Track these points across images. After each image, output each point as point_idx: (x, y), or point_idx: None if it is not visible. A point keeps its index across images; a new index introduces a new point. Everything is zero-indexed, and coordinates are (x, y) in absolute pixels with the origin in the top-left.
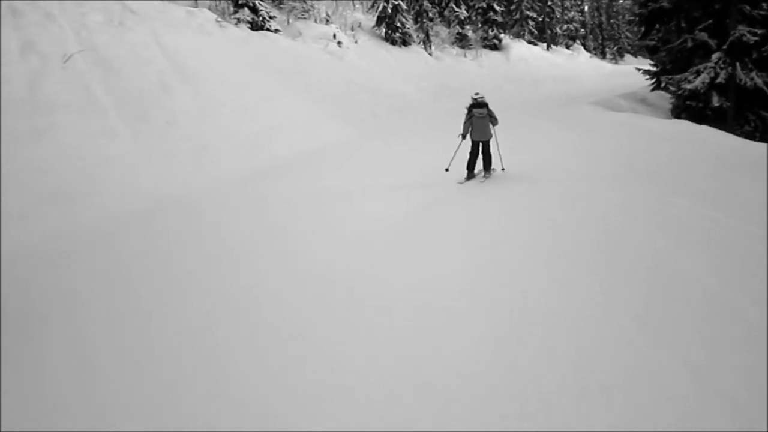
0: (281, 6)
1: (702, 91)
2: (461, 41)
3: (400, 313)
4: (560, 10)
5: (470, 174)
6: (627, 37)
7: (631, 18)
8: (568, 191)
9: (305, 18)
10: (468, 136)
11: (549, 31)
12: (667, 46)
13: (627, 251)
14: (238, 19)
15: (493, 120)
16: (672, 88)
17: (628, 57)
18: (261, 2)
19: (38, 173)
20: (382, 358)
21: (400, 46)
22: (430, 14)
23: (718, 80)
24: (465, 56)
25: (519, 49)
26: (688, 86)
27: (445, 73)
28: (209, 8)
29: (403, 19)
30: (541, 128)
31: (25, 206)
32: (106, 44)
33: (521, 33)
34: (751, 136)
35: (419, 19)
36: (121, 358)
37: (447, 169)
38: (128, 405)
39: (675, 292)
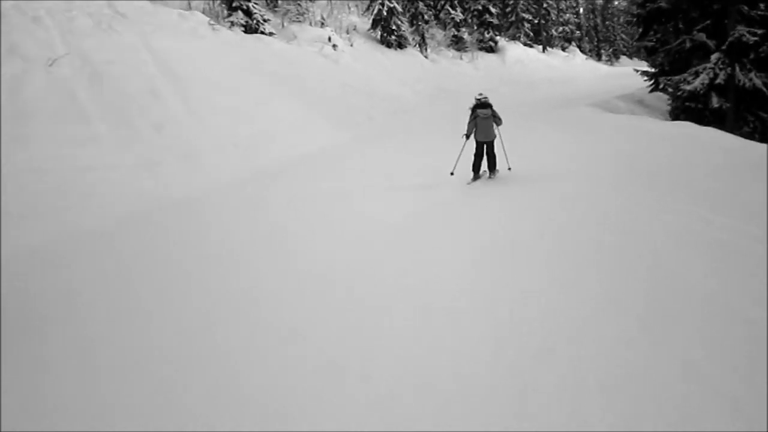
0: (276, 9)
1: (701, 92)
2: (457, 44)
3: (400, 313)
4: (555, 12)
5: (476, 175)
6: (622, 39)
7: (629, 19)
8: (568, 192)
9: (300, 21)
10: (472, 137)
11: (545, 33)
12: (666, 47)
13: (627, 251)
14: (231, 22)
15: (497, 120)
16: (671, 90)
17: (623, 59)
18: (255, 5)
19: (4, 186)
20: (382, 358)
21: (395, 49)
22: (426, 17)
23: (718, 81)
24: (461, 59)
25: (515, 52)
26: (688, 87)
27: (441, 75)
28: (203, 11)
29: (399, 22)
30: (539, 130)
31: None
32: (93, 48)
33: (517, 35)
34: (750, 137)
35: (415, 22)
36: (121, 358)
37: (452, 173)
38: (128, 405)
39: (675, 292)
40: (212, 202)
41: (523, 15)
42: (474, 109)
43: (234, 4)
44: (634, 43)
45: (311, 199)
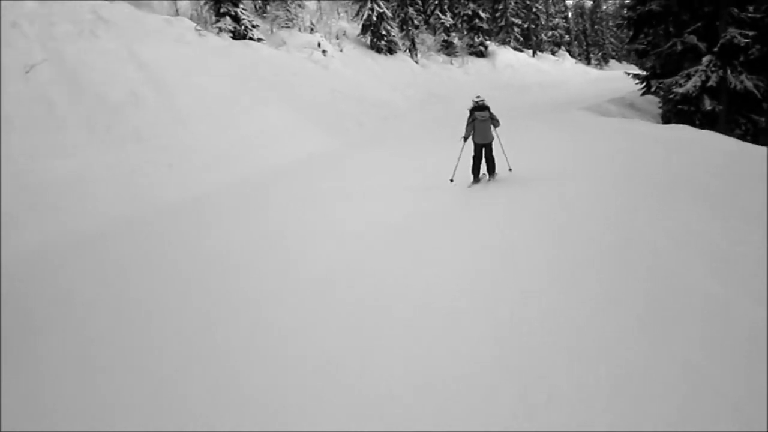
0: (264, 15)
1: (694, 94)
2: (447, 48)
3: (400, 314)
4: (545, 17)
5: (476, 178)
6: (611, 43)
7: (620, 22)
8: (567, 193)
9: (289, 27)
10: (470, 140)
11: (534, 38)
12: (657, 49)
13: (627, 252)
14: (219, 28)
15: (495, 122)
16: (662, 93)
17: (612, 63)
18: (243, 11)
19: None
20: (382, 358)
21: (385, 54)
22: (416, 22)
23: (710, 83)
24: (451, 63)
25: (505, 56)
26: (680, 90)
27: (431, 80)
28: (191, 17)
29: (389, 27)
30: (534, 134)
31: None
32: (73, 54)
33: (507, 40)
34: (742, 139)
35: (405, 27)
36: (121, 358)
37: (452, 180)
38: (128, 405)
39: (675, 292)
40: (193, 211)
41: (513, 19)
42: (472, 111)
43: (222, 10)
44: (625, 46)
45: (302, 204)
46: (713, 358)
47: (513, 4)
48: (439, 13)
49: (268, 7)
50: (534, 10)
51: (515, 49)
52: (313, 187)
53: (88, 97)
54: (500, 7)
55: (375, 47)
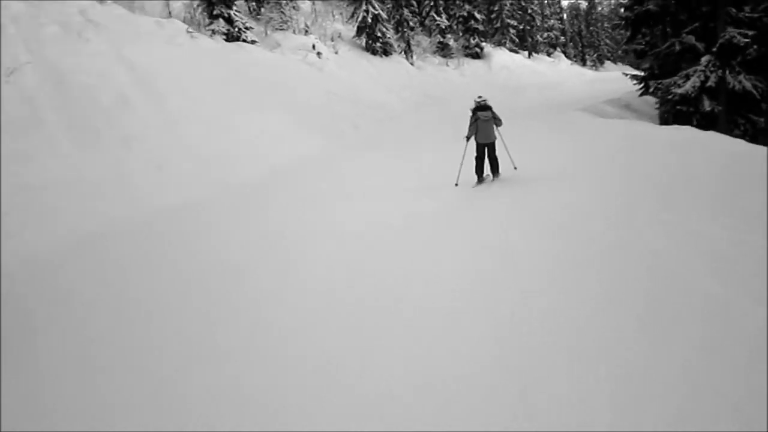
0: (258, 17)
1: (693, 95)
2: (443, 50)
3: (400, 313)
4: (540, 18)
5: (480, 178)
6: (606, 44)
7: (617, 22)
8: (568, 194)
9: (283, 29)
10: (473, 139)
11: (530, 39)
12: (655, 50)
13: (627, 252)
14: (212, 30)
15: (497, 121)
16: (660, 93)
17: (608, 64)
18: (237, 13)
19: None
20: (382, 358)
21: (381, 56)
22: (411, 23)
23: (709, 84)
24: (447, 65)
25: (501, 57)
26: (679, 90)
27: (427, 82)
28: (183, 20)
29: (384, 29)
30: (533, 135)
31: None
32: (59, 57)
33: (502, 41)
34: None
35: (400, 29)
36: (121, 358)
37: (456, 184)
38: (128, 405)
39: (675, 292)
40: (183, 216)
41: (509, 21)
42: (474, 111)
43: (215, 12)
44: (623, 47)
45: (300, 205)
46: (713, 358)
47: (508, 5)
48: (435, 15)
49: (262, 10)
50: (529, 11)
51: (511, 50)
52: (310, 189)
53: (75, 100)
54: (495, 8)
55: (370, 49)
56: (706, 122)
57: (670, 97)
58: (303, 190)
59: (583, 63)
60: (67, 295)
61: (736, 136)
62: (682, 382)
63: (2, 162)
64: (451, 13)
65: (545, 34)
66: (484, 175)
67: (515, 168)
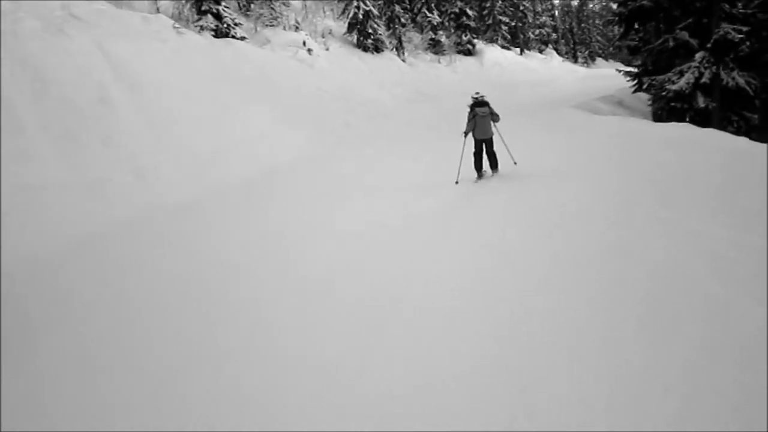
0: (248, 13)
1: (687, 91)
2: (434, 47)
3: (399, 313)
4: (532, 15)
5: (480, 173)
6: (598, 41)
7: (610, 18)
8: (568, 192)
9: (273, 25)
10: (471, 135)
11: (522, 36)
12: (648, 46)
13: (627, 251)
14: (201, 26)
15: (495, 117)
16: (654, 90)
17: (599, 61)
18: (226, 9)
19: None
20: (382, 358)
21: (372, 53)
22: (403, 20)
23: (703, 80)
24: (439, 62)
25: (493, 54)
26: (673, 87)
27: (419, 79)
28: (171, 16)
29: (375, 26)
30: (528, 132)
31: None
32: (37, 53)
33: (494, 38)
34: None
35: (391, 25)
36: (121, 358)
37: (457, 182)
38: (128, 405)
39: (675, 292)
40: (144, 236)
41: (500, 18)
42: (472, 107)
43: (203, 8)
44: (616, 43)
45: (294, 204)
46: (713, 358)
47: (500, 2)
48: (426, 12)
49: (252, 6)
50: (521, 8)
51: (503, 47)
52: (303, 189)
53: (52, 98)
54: (487, 5)
55: (362, 46)
56: (700, 119)
57: (664, 93)
58: (296, 190)
59: (575, 60)
60: (67, 295)
61: (730, 132)
62: (682, 382)
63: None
64: (443, 9)
65: (537, 31)
66: (483, 170)
67: (515, 163)
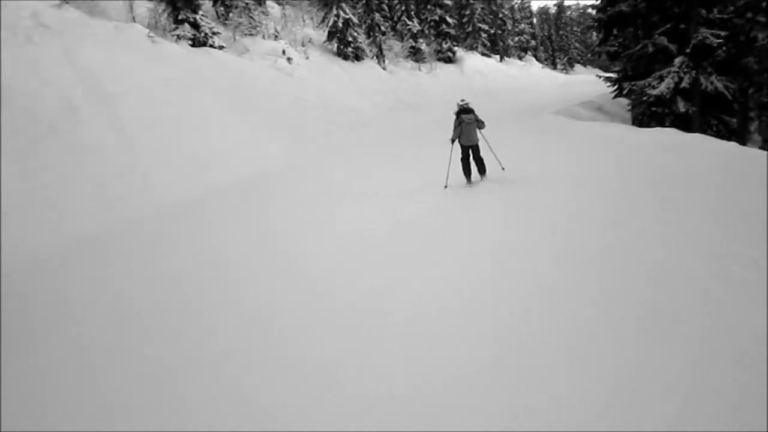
0: (227, 22)
1: (667, 96)
2: (415, 55)
3: (399, 314)
4: (511, 22)
5: (469, 178)
6: (576, 48)
7: (590, 24)
8: (561, 195)
9: (253, 34)
10: (457, 142)
11: (501, 43)
12: (628, 51)
13: (626, 252)
14: (178, 35)
15: (480, 124)
16: (635, 95)
17: (578, 67)
18: (203, 18)
19: None
20: (382, 358)
21: (352, 61)
22: (383, 28)
23: (683, 85)
24: (419, 69)
25: (473, 61)
26: (653, 92)
27: (399, 87)
28: (148, 25)
29: (355, 34)
30: (513, 139)
31: None
32: (2, 63)
33: (474, 45)
34: None
35: (372, 33)
36: (121, 358)
37: (446, 186)
38: (128, 405)
39: (675, 293)
40: (105, 256)
41: (480, 25)
42: (458, 114)
43: (180, 17)
44: (596, 49)
45: (264, 221)
46: (713, 358)
47: (479, 9)
48: (406, 19)
49: (231, 15)
50: (500, 15)
51: (483, 54)
52: (280, 197)
53: (14, 109)
54: (467, 12)
55: (342, 54)
56: (680, 123)
57: (645, 98)
58: (275, 199)
59: (554, 66)
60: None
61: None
62: (682, 382)
63: None
64: (423, 17)
65: (516, 38)
66: (473, 178)
67: (503, 169)
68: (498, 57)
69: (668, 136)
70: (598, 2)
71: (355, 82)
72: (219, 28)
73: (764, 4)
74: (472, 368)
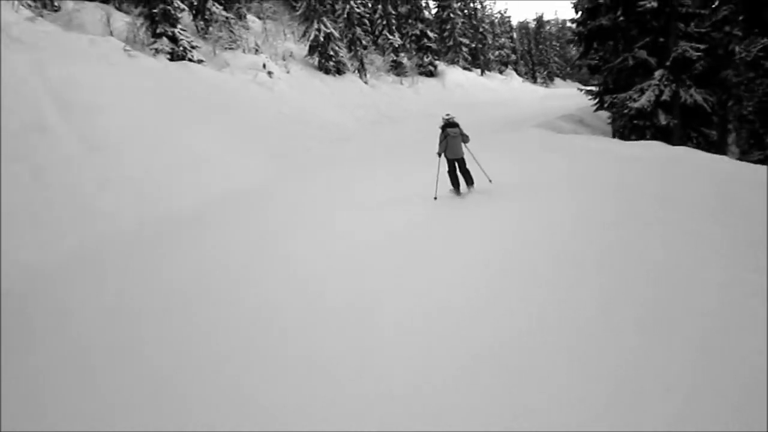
0: (206, 36)
1: (649, 109)
2: (397, 69)
3: (399, 314)
4: (492, 37)
5: (457, 190)
6: (556, 62)
7: (570, 38)
8: (552, 201)
9: (233, 48)
10: (443, 155)
11: (482, 57)
12: (608, 65)
13: (626, 256)
14: (156, 49)
15: (465, 138)
16: (615, 108)
17: (557, 81)
18: (182, 32)
19: None
20: (382, 359)
21: (334, 75)
22: (364, 42)
23: (663, 98)
24: (401, 83)
25: (454, 75)
26: (635, 105)
27: (381, 100)
28: (126, 39)
29: (337, 48)
30: (495, 153)
31: None
32: None
33: (455, 59)
34: None
35: (353, 47)
36: (121, 359)
37: (435, 198)
38: (128, 405)
39: (674, 294)
40: (73, 281)
41: (461, 39)
42: (444, 128)
43: (158, 31)
44: (576, 62)
45: (236, 246)
46: (713, 358)
47: (460, 24)
48: (388, 34)
49: (211, 29)
50: (481, 29)
51: (464, 68)
52: (263, 216)
53: None
54: (448, 26)
55: (323, 68)
56: (661, 136)
57: (626, 111)
58: (254, 214)
59: (534, 80)
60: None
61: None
62: (682, 382)
63: None
64: (404, 31)
65: (497, 52)
66: (461, 189)
67: (490, 181)
68: (479, 71)
69: (655, 148)
70: (578, 16)
71: (337, 96)
72: (198, 42)
73: (740, 18)
74: (472, 368)
